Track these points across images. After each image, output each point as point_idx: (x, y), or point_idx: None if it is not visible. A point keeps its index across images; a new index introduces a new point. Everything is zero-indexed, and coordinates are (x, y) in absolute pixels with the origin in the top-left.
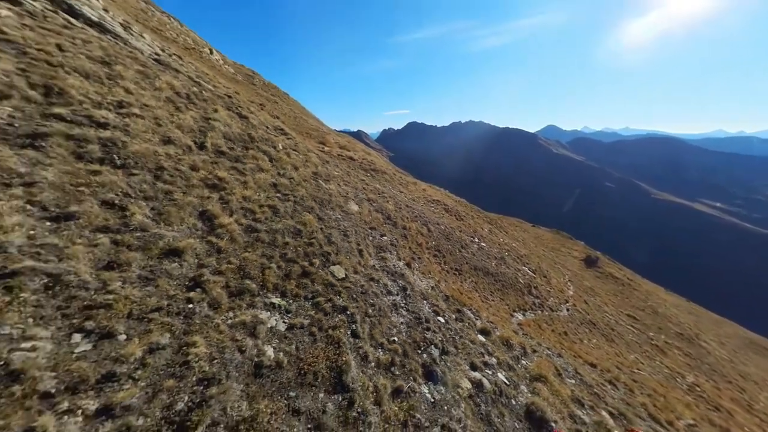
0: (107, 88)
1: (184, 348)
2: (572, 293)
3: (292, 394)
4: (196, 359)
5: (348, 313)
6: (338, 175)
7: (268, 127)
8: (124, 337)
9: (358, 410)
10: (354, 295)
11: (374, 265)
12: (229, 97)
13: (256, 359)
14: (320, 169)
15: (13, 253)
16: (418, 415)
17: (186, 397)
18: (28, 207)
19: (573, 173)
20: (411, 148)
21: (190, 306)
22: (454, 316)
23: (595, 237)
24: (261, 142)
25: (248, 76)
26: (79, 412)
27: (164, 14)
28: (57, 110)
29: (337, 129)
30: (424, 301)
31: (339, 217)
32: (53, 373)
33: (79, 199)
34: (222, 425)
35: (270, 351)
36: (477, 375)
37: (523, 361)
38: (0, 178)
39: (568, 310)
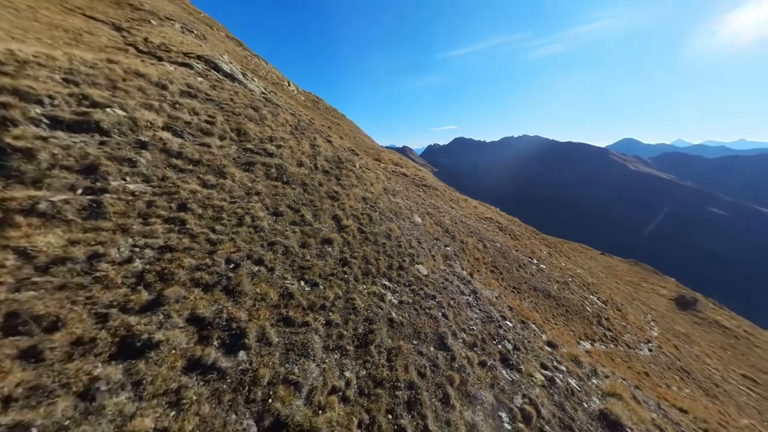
0: (262, 126)
1: (350, 300)
2: (657, 334)
3: (414, 342)
4: (359, 307)
5: (437, 300)
6: (400, 190)
7: (344, 149)
8: (322, 287)
9: (459, 363)
10: (438, 289)
11: (445, 270)
12: (312, 123)
13: (388, 316)
14: (387, 185)
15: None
16: (501, 383)
17: (360, 327)
18: (259, 207)
19: (657, 194)
20: (455, 164)
21: (345, 276)
22: (519, 324)
23: (689, 273)
24: (346, 162)
25: (314, 101)
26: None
27: (255, 56)
28: (248, 146)
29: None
30: (491, 306)
31: (410, 226)
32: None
33: (278, 204)
34: (383, 347)
35: (394, 313)
36: (548, 373)
37: (594, 380)
38: (243, 189)
39: (650, 350)
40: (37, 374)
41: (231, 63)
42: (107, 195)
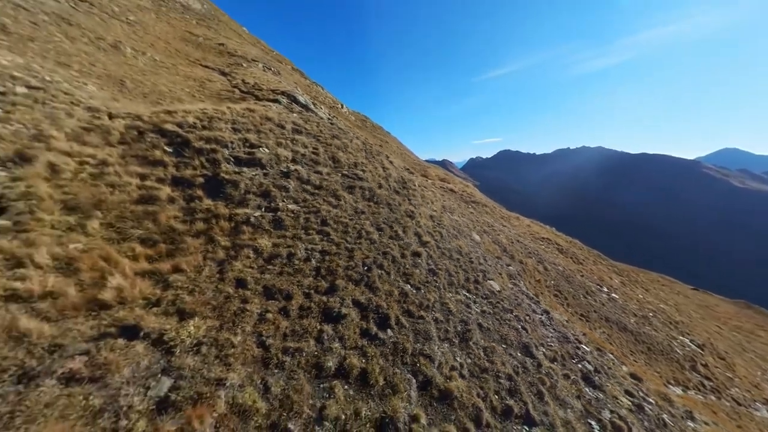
0: (347, 154)
1: (444, 304)
2: None
3: (503, 346)
4: (453, 310)
5: (514, 314)
6: (455, 208)
7: (402, 169)
8: (423, 291)
9: (545, 371)
10: (512, 305)
11: (513, 288)
12: (370, 144)
13: (477, 321)
14: (444, 203)
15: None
16: (587, 397)
17: (459, 326)
18: (368, 224)
19: None
20: (500, 178)
21: (436, 284)
22: (595, 351)
23: None
24: (408, 182)
25: (363, 120)
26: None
27: (314, 83)
28: (344, 171)
29: (422, 158)
30: (564, 328)
31: (472, 244)
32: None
33: (377, 221)
34: (479, 345)
35: (480, 319)
36: (635, 400)
37: (690, 423)
38: (352, 208)
39: None
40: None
41: (304, 95)
42: (280, 212)
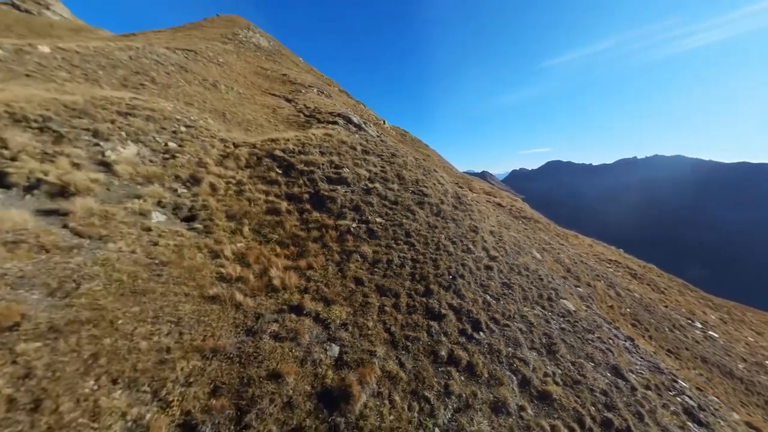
0: (408, 171)
1: (524, 317)
2: None
3: (591, 363)
4: (534, 323)
5: (595, 335)
6: (510, 223)
7: (452, 184)
8: (502, 302)
9: (641, 395)
10: (591, 326)
11: (587, 310)
12: (421, 161)
13: (560, 336)
14: (499, 218)
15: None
16: (693, 431)
17: (543, 338)
18: (443, 237)
19: None
20: (546, 191)
21: (513, 297)
22: (695, 389)
23: None
24: (461, 197)
25: (402, 135)
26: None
27: (359, 102)
28: (410, 188)
29: (461, 170)
30: (653, 358)
31: (535, 262)
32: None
33: (449, 235)
34: (566, 359)
35: (562, 336)
36: None
37: None
38: (426, 222)
39: None
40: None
41: (356, 115)
42: (371, 224)
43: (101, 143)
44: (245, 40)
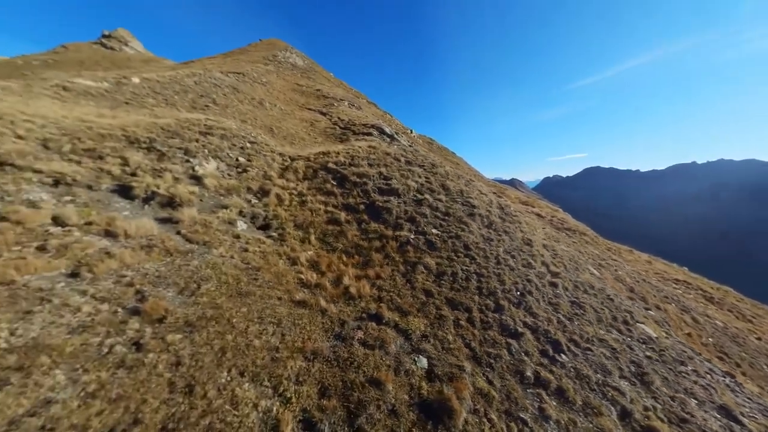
0: (450, 181)
1: (603, 340)
2: None
3: (694, 400)
4: (618, 348)
5: (689, 368)
6: (557, 236)
7: (491, 193)
8: (576, 322)
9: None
10: (681, 357)
11: (667, 337)
12: (459, 170)
13: (651, 366)
14: (546, 230)
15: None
16: None
17: (632, 366)
18: (501, 251)
19: None
20: (582, 198)
21: (585, 318)
22: None
23: None
24: (504, 207)
25: (429, 143)
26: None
27: (386, 113)
28: (457, 198)
29: (489, 177)
30: (761, 401)
31: (597, 280)
32: None
33: (507, 249)
34: (663, 392)
35: (651, 365)
36: None
37: None
38: (482, 235)
39: None
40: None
41: (387, 126)
42: (428, 236)
43: (191, 159)
44: (283, 61)
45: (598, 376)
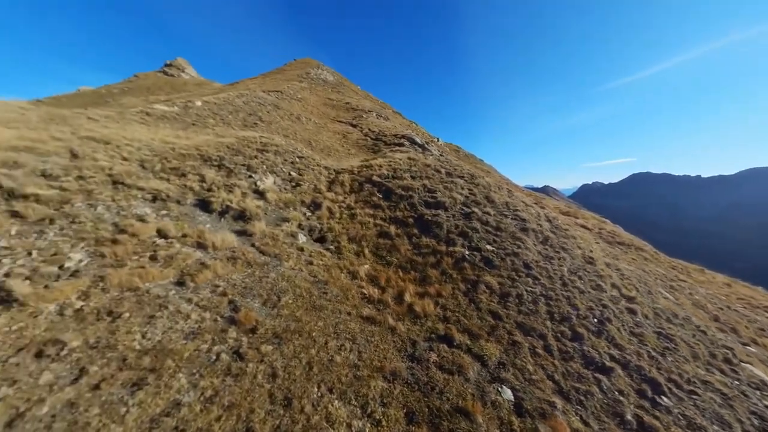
0: (495, 192)
1: (707, 383)
2: None
3: None
4: (729, 395)
5: None
6: (610, 251)
7: (533, 204)
8: (670, 358)
9: None
10: None
11: None
12: (500, 181)
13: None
14: (600, 245)
15: None
16: None
17: (755, 420)
18: (566, 270)
19: None
20: (628, 208)
21: (677, 353)
22: None
23: None
24: (554, 220)
25: (456, 151)
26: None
27: (412, 122)
28: (503, 210)
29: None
30: None
31: (675, 306)
32: None
33: (571, 269)
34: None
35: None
36: None
37: None
38: (540, 253)
39: None
40: None
41: (417, 135)
42: (483, 252)
43: (253, 175)
44: (315, 77)
45: (715, 428)
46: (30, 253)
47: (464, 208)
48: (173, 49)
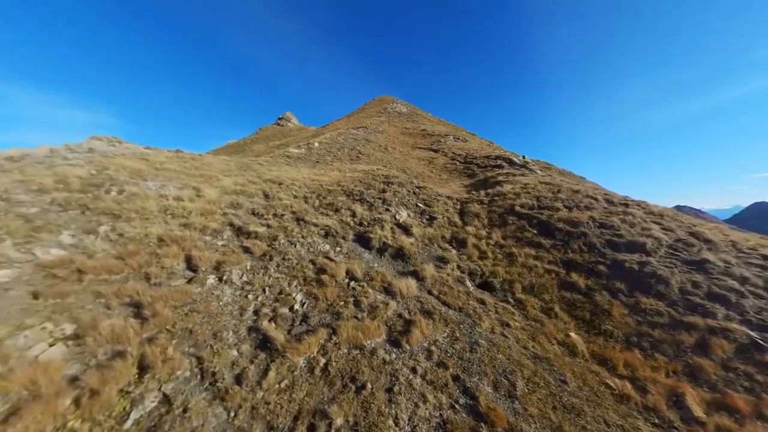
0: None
1: None
2: None
3: None
4: None
5: None
6: None
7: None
8: None
9: None
10: None
11: None
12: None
13: None
14: None
15: None
16: None
17: None
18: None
19: None
20: None
21: None
22: None
23: None
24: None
25: (547, 168)
26: None
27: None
28: (728, 253)
29: None
30: None
31: None
32: None
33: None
34: None
35: None
36: None
37: None
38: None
39: None
40: None
41: (513, 156)
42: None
43: (390, 208)
44: (391, 111)
45: None
46: (264, 290)
47: (678, 252)
48: (282, 104)
